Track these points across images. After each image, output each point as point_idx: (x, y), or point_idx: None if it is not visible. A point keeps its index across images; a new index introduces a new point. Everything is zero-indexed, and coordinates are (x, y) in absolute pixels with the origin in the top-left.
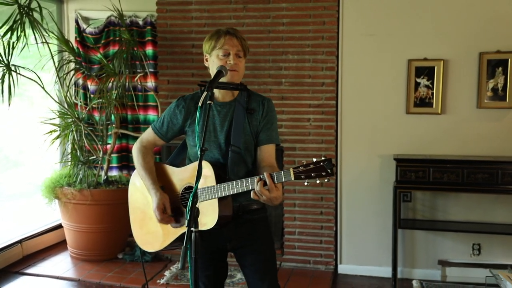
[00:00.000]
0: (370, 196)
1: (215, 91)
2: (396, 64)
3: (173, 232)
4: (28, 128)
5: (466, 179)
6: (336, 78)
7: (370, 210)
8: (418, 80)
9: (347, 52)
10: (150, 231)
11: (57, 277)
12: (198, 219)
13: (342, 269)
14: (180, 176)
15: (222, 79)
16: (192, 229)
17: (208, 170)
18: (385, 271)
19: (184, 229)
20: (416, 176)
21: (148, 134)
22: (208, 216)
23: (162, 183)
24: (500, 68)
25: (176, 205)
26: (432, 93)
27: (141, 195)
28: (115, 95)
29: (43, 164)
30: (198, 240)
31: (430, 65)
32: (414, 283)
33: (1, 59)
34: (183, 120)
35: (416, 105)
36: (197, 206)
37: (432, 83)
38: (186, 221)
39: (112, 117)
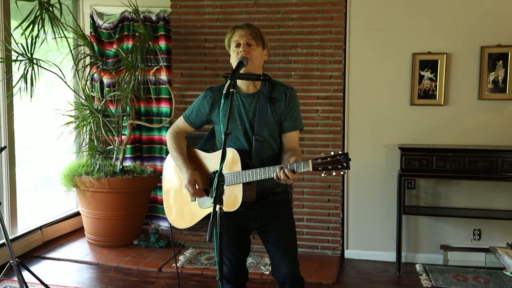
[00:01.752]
0: (375, 184)
1: (240, 82)
2: (401, 58)
3: (201, 212)
4: (34, 123)
5: (468, 167)
6: (343, 71)
7: (376, 197)
8: (422, 73)
9: (354, 46)
10: (181, 210)
11: (77, 261)
12: (224, 201)
13: (349, 254)
14: (210, 160)
15: (244, 70)
16: (218, 206)
17: (235, 156)
18: (390, 256)
19: (211, 209)
20: (420, 165)
21: (179, 122)
22: (234, 198)
23: (194, 166)
24: (501, 62)
25: (205, 186)
26: (436, 86)
27: (175, 176)
28: (131, 87)
29: (49, 159)
30: (223, 216)
31: (433, 59)
32: (418, 266)
33: (24, 53)
34: (210, 109)
35: (420, 97)
36: (224, 188)
37: (436, 76)
38: (212, 199)
39: (128, 109)
